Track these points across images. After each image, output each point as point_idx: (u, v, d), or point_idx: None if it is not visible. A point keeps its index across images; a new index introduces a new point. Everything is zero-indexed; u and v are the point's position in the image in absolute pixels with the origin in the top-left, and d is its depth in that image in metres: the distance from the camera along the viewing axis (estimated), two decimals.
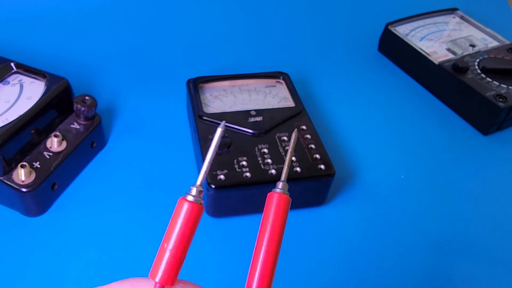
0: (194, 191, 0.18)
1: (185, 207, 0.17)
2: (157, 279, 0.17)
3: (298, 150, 0.39)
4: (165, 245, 0.18)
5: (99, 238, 0.36)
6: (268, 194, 0.19)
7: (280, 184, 0.20)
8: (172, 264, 0.17)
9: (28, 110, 0.37)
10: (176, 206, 0.18)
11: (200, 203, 0.17)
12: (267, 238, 0.19)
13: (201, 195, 0.18)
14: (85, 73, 0.52)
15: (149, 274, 0.17)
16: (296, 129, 0.21)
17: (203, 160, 0.38)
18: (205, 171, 0.18)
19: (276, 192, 0.19)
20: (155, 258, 0.18)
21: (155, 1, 0.63)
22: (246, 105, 0.43)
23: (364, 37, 0.62)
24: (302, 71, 0.55)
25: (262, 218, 0.19)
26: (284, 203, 0.19)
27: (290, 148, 0.20)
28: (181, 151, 0.44)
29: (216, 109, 0.43)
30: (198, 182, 0.18)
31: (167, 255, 0.17)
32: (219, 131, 0.18)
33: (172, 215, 0.18)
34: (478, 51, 0.53)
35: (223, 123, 0.18)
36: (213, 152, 0.18)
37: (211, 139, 0.18)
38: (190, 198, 0.17)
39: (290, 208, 0.44)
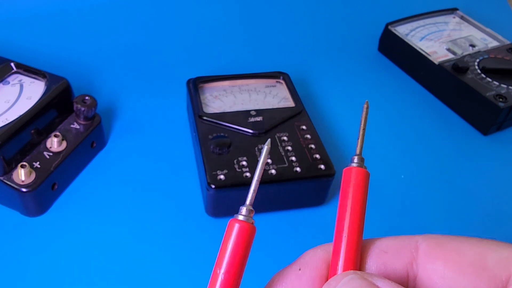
0: (244, 210, 0.17)
1: (236, 227, 0.17)
2: None
3: (298, 150, 0.39)
4: (218, 270, 0.17)
5: (99, 238, 0.36)
6: (344, 170, 0.18)
7: (355, 158, 0.18)
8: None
9: (28, 110, 0.37)
10: (227, 227, 0.17)
11: (252, 223, 0.17)
12: (349, 216, 0.18)
13: (252, 214, 0.17)
14: (85, 73, 0.52)
15: None
16: (366, 101, 0.20)
17: (202, 158, 0.38)
18: (254, 190, 0.17)
19: (353, 167, 0.18)
20: (209, 283, 0.17)
21: (155, 1, 0.63)
22: (246, 105, 0.43)
23: (364, 37, 0.62)
24: (302, 71, 0.55)
25: (340, 196, 0.18)
26: (363, 176, 0.18)
27: (362, 121, 0.19)
28: (181, 151, 0.44)
29: (216, 109, 0.43)
30: (248, 201, 0.17)
31: (220, 279, 0.17)
32: (266, 148, 0.17)
33: (223, 237, 0.17)
34: (478, 51, 0.53)
35: (268, 141, 0.18)
36: (261, 169, 0.17)
37: (259, 157, 0.17)
38: (241, 217, 0.17)
39: (290, 208, 0.44)
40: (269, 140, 0.18)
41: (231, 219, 0.17)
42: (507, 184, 0.44)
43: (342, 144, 0.46)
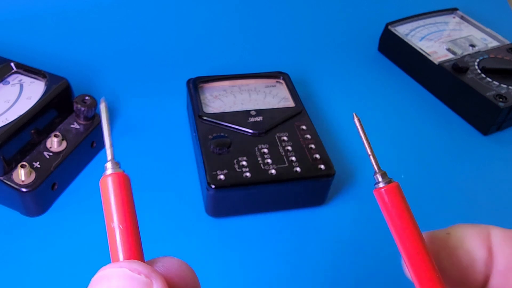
0: (109, 165, 0.17)
1: (109, 180, 0.17)
2: (121, 257, 0.16)
3: (298, 150, 0.39)
4: (111, 224, 0.16)
5: (99, 238, 0.36)
6: (374, 192, 0.18)
7: (379, 177, 0.18)
8: (130, 239, 0.16)
9: (28, 110, 0.37)
10: (100, 187, 0.17)
11: (122, 172, 0.17)
12: (405, 238, 0.18)
13: (118, 165, 0.17)
14: (85, 73, 0.52)
15: (111, 261, 0.16)
16: (354, 114, 0.19)
17: (202, 158, 0.38)
18: (110, 144, 0.18)
19: (380, 188, 0.18)
20: (109, 244, 0.16)
21: (155, 1, 0.63)
22: (246, 105, 0.43)
23: (364, 37, 0.62)
24: (302, 71, 0.55)
25: (385, 218, 0.18)
26: (395, 192, 0.18)
27: (363, 138, 0.18)
28: (181, 151, 0.44)
29: (216, 109, 0.43)
30: (109, 157, 0.17)
31: (118, 232, 0.16)
32: (103, 106, 0.18)
33: (102, 196, 0.17)
34: (478, 51, 0.53)
35: (102, 99, 0.18)
36: (108, 126, 0.18)
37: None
38: (108, 171, 0.17)
39: (290, 208, 0.44)
40: (103, 98, 0.18)
41: (101, 178, 0.17)
42: (507, 184, 0.44)
43: (342, 144, 0.46)
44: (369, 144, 0.19)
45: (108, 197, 0.16)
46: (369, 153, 0.19)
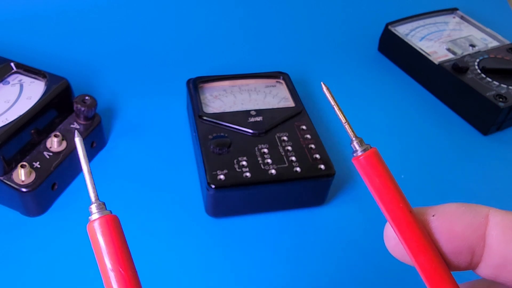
0: (94, 208, 0.16)
1: (97, 225, 0.16)
2: None
3: (298, 150, 0.39)
4: (109, 268, 0.15)
5: None
6: (353, 160, 0.18)
7: (356, 145, 0.18)
8: (125, 281, 0.15)
9: (28, 110, 0.37)
10: (88, 233, 0.16)
11: (109, 212, 0.16)
12: (387, 202, 0.17)
13: (104, 206, 0.16)
14: (85, 73, 0.52)
15: None
16: (322, 83, 0.19)
17: (202, 158, 0.38)
18: (92, 185, 0.16)
19: (359, 156, 0.17)
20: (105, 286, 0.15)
21: (155, 1, 0.63)
22: (246, 105, 0.43)
23: (364, 37, 0.62)
24: (302, 71, 0.55)
25: (368, 187, 0.17)
26: (374, 158, 0.17)
27: (335, 107, 0.18)
28: (181, 151, 0.44)
29: (216, 109, 0.43)
30: (93, 199, 0.16)
31: (113, 276, 0.15)
32: (77, 141, 0.16)
33: (91, 242, 0.16)
34: (478, 51, 0.53)
35: (76, 132, 0.17)
36: (87, 164, 0.16)
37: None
38: (94, 216, 0.16)
39: (290, 208, 0.44)
40: (76, 131, 0.17)
41: (88, 223, 0.16)
42: (507, 184, 0.44)
43: (342, 144, 0.46)
44: (341, 112, 0.18)
45: (98, 242, 0.16)
46: (343, 121, 0.18)
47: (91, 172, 0.16)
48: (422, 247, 0.16)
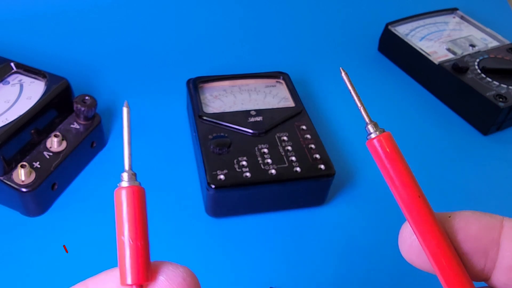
0: (125, 176, 0.17)
1: (124, 193, 0.16)
2: (129, 280, 0.15)
3: (298, 150, 0.39)
4: (122, 237, 0.16)
5: (99, 238, 0.36)
6: (367, 143, 0.18)
7: (370, 128, 0.18)
8: (139, 257, 0.16)
9: (28, 110, 0.37)
10: (115, 197, 0.16)
11: (138, 184, 0.17)
12: (400, 185, 0.17)
13: (135, 177, 0.17)
14: (85, 73, 0.52)
15: (120, 281, 0.16)
16: (341, 68, 0.20)
17: (202, 158, 0.38)
18: (129, 154, 0.17)
19: (372, 138, 0.18)
20: (118, 258, 0.16)
21: (155, 1, 0.63)
22: (246, 105, 0.43)
23: (364, 37, 0.62)
24: (302, 71, 0.55)
25: (380, 169, 0.17)
26: (387, 140, 0.18)
27: (352, 92, 0.19)
28: (181, 151, 0.44)
29: (216, 109, 0.43)
30: (126, 167, 0.17)
31: (128, 248, 0.16)
32: (125, 111, 0.17)
33: (115, 207, 0.16)
34: (478, 51, 0.53)
35: (125, 102, 0.17)
36: (128, 133, 0.17)
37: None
38: (124, 184, 0.17)
39: (290, 208, 0.44)
40: (126, 101, 0.18)
41: (116, 189, 0.16)
42: (507, 184, 0.44)
43: (342, 144, 0.46)
44: (358, 97, 0.19)
45: (121, 210, 0.16)
46: (359, 105, 0.19)
47: (130, 142, 0.17)
48: (438, 241, 0.16)
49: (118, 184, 0.17)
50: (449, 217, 0.17)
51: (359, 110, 0.18)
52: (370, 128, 0.18)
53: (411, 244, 0.18)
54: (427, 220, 0.17)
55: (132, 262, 0.16)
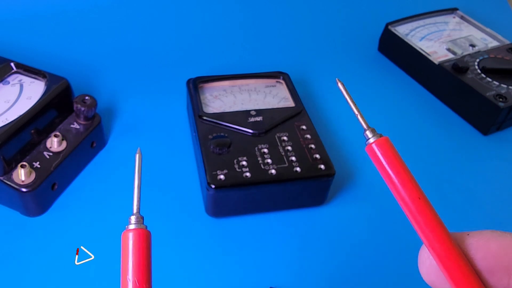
0: (133, 219, 0.18)
1: (131, 236, 0.17)
2: None
3: (298, 150, 0.39)
4: (128, 277, 0.17)
5: (99, 238, 0.36)
6: (366, 149, 0.18)
7: (368, 134, 0.18)
8: None
9: (28, 110, 0.37)
10: (122, 239, 0.17)
11: (145, 228, 0.18)
12: (402, 188, 0.18)
13: (142, 220, 0.18)
14: (85, 73, 0.52)
15: None
16: (337, 79, 0.21)
17: (202, 158, 0.38)
18: (138, 197, 0.18)
19: (371, 143, 0.18)
20: None
21: (155, 1, 0.63)
22: (246, 105, 0.43)
23: (364, 37, 0.62)
24: (302, 71, 0.55)
25: (380, 173, 0.18)
26: (385, 144, 0.18)
27: (349, 100, 0.19)
28: (181, 151, 0.44)
29: (216, 109, 0.43)
30: (135, 210, 0.18)
31: (129, 284, 0.17)
32: (137, 157, 0.18)
33: (122, 248, 0.17)
34: (478, 51, 0.53)
35: (138, 149, 0.18)
36: (139, 179, 0.18)
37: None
38: (132, 226, 0.17)
39: (290, 208, 0.44)
40: (139, 149, 0.19)
41: (124, 231, 0.17)
42: (507, 184, 0.44)
43: (342, 144, 0.46)
44: (355, 104, 0.19)
45: (127, 251, 0.17)
46: (356, 112, 0.19)
47: (140, 186, 0.18)
48: (455, 259, 0.17)
49: (126, 227, 0.18)
50: (468, 234, 0.18)
51: (357, 117, 0.19)
52: (368, 133, 0.18)
53: (429, 265, 0.18)
54: (442, 240, 0.17)
55: None
